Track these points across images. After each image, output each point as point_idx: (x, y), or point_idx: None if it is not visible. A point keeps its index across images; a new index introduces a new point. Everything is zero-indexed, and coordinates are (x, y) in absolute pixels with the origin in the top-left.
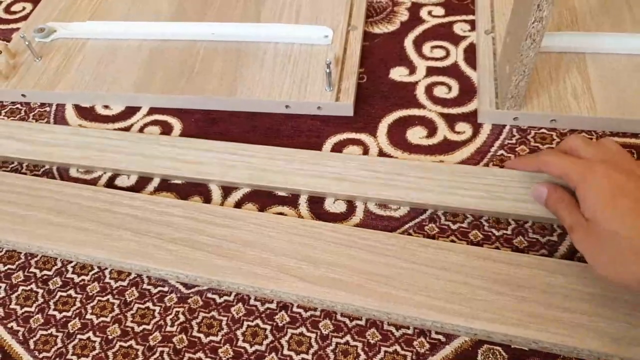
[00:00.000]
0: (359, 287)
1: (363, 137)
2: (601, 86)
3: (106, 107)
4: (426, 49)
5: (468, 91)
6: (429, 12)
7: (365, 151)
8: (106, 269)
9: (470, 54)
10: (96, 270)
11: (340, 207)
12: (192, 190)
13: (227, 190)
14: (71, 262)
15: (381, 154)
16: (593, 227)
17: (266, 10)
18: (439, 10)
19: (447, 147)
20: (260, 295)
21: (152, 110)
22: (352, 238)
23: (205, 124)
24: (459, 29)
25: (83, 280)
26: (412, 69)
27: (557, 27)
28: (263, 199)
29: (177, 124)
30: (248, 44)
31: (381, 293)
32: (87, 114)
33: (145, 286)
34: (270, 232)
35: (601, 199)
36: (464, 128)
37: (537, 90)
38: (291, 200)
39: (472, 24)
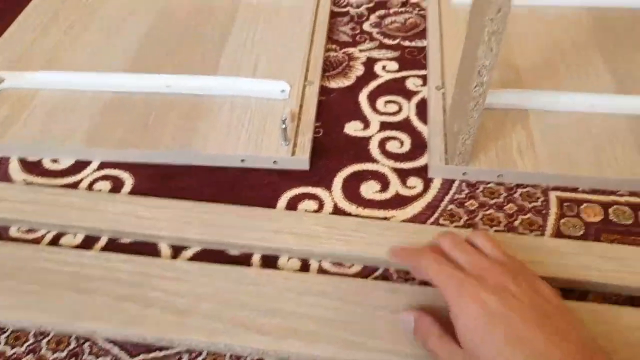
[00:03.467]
0: (316, 334)
1: (318, 191)
2: (543, 142)
3: (55, 161)
4: (380, 103)
5: (419, 146)
6: (384, 67)
7: (321, 206)
8: (43, 338)
9: (422, 109)
10: (32, 341)
11: (294, 265)
12: (140, 249)
13: (177, 250)
14: (4, 331)
15: (336, 208)
16: (471, 358)
17: (224, 64)
18: (393, 65)
19: (399, 201)
20: (214, 350)
21: (104, 165)
22: (306, 285)
23: (159, 179)
24: (412, 83)
25: (15, 353)
26: (367, 124)
27: (503, 85)
28: (214, 258)
29: (128, 179)
30: (204, 97)
31: (339, 339)
32: (33, 168)
33: (86, 357)
34: (223, 284)
35: (475, 330)
36: (415, 183)
37: (484, 145)
38: (244, 259)
39: (424, 79)
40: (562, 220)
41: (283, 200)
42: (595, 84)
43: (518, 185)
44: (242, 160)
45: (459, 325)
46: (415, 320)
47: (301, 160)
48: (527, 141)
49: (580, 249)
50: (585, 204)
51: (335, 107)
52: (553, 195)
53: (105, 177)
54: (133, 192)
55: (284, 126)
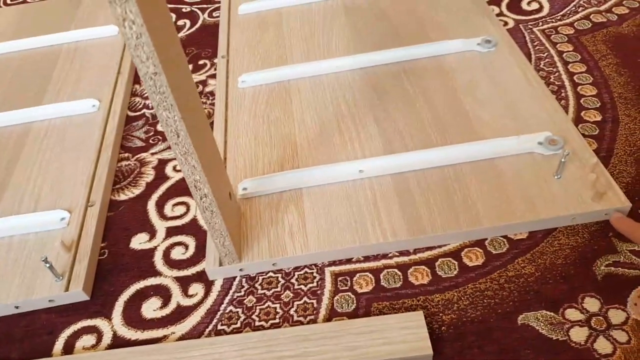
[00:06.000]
0: None
1: (98, 322)
2: (314, 219)
3: None
4: (168, 208)
5: (204, 246)
6: (174, 167)
7: (99, 338)
8: None
9: None
10: None
11: None
12: None
13: None
14: None
15: (115, 337)
16: None
17: (4, 203)
18: None
19: (179, 314)
20: None
21: None
22: None
23: None
24: None
25: None
26: (153, 234)
27: (281, 166)
28: None
29: None
30: None
31: None
32: None
33: None
34: None
35: None
36: (197, 289)
37: (258, 236)
38: None
39: None
40: (336, 297)
41: (60, 341)
42: (366, 148)
43: (296, 268)
44: (17, 307)
45: None
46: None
47: (76, 294)
48: (300, 222)
49: (344, 328)
50: (358, 275)
51: (123, 221)
52: (328, 272)
53: None
54: None
55: (47, 265)
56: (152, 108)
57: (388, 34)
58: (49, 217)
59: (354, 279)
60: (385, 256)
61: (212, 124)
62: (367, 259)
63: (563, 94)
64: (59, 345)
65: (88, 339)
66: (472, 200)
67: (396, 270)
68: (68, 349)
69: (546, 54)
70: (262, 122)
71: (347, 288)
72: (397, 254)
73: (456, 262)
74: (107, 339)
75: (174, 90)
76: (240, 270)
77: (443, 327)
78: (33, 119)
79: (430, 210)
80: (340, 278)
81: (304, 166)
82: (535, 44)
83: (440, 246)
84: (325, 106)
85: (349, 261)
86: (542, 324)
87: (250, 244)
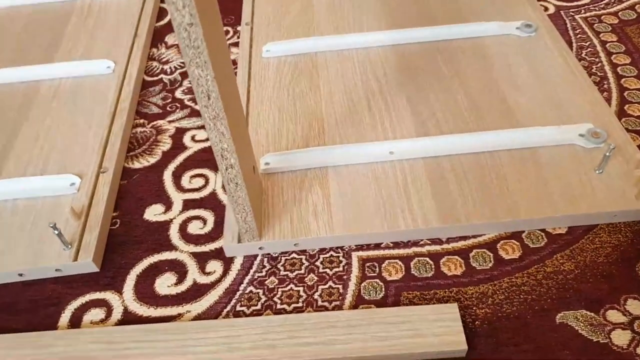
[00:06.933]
0: None
1: (108, 295)
2: (340, 200)
3: None
4: (185, 179)
5: (223, 222)
6: (192, 137)
7: (109, 313)
8: None
9: None
10: None
11: None
12: None
13: None
14: None
15: (126, 312)
16: None
17: (11, 163)
18: (203, 134)
19: (195, 292)
20: None
21: None
22: None
23: None
24: None
25: None
26: (169, 205)
27: (306, 142)
28: None
29: None
30: None
31: None
32: None
33: None
34: None
35: None
36: (215, 267)
37: (280, 214)
38: None
39: None
40: (363, 284)
41: (67, 314)
42: (397, 128)
43: (321, 251)
44: (20, 275)
45: None
46: None
47: (86, 264)
48: (324, 202)
49: (372, 317)
50: (387, 261)
51: (136, 191)
52: (355, 257)
53: None
54: None
55: (56, 232)
56: (170, 73)
57: (421, 11)
58: (58, 182)
59: (383, 265)
60: (416, 244)
61: None
62: (396, 245)
63: (605, 86)
64: (65, 317)
65: (97, 313)
66: (509, 190)
67: (428, 259)
68: (75, 322)
69: (588, 43)
70: (287, 95)
71: (375, 275)
72: (428, 242)
73: (491, 254)
74: (117, 314)
75: (209, 46)
76: (260, 248)
77: (477, 322)
78: (42, 77)
79: (464, 198)
80: (368, 264)
81: (331, 144)
82: (577, 32)
83: (474, 236)
84: (355, 82)
85: (377, 247)
86: (582, 324)
87: (272, 221)
